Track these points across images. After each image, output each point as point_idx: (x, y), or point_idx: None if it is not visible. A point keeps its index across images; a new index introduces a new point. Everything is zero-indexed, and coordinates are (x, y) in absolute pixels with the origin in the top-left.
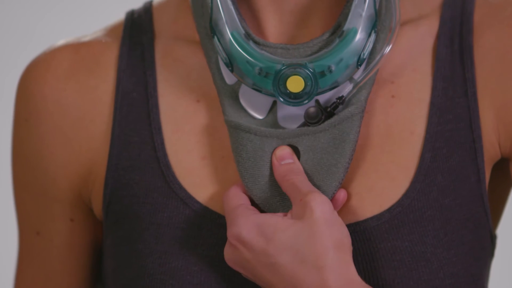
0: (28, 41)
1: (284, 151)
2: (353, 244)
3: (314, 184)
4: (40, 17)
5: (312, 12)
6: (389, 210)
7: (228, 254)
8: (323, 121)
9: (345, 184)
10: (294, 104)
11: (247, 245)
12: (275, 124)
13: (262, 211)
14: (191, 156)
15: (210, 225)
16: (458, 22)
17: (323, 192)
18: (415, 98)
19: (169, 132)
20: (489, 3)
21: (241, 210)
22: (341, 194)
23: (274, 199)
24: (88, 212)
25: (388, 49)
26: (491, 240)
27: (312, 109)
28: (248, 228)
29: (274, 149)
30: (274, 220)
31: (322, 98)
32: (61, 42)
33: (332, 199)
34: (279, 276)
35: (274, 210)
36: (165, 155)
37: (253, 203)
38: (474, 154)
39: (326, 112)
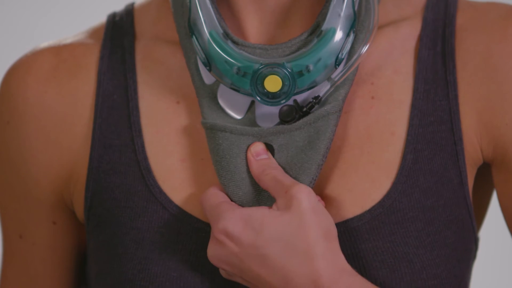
0: (28, 41)
1: (258, 147)
2: None
3: None
4: (40, 17)
5: (292, 12)
6: (370, 210)
7: (213, 250)
8: (298, 119)
9: (325, 185)
10: (272, 104)
11: (234, 238)
12: (253, 124)
13: None
14: (171, 158)
15: (188, 230)
16: (440, 24)
17: None
18: (395, 99)
19: (149, 135)
20: (473, 6)
21: (225, 205)
22: None
23: (251, 196)
24: (71, 215)
25: (365, 48)
26: (475, 243)
27: (285, 107)
28: (235, 221)
29: (249, 146)
30: (260, 212)
31: (300, 98)
32: (43, 44)
33: None
34: (268, 268)
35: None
36: (145, 158)
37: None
38: (455, 157)
39: (302, 112)
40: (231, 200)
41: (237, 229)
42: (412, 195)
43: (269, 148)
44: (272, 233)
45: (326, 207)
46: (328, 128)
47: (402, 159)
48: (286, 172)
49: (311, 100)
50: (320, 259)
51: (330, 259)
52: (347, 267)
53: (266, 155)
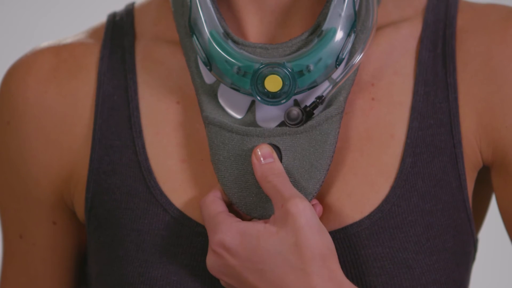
0: (28, 41)
1: (264, 150)
2: None
3: (296, 185)
4: (40, 17)
5: (292, 12)
6: (369, 216)
7: (212, 262)
8: (304, 123)
9: (324, 189)
10: (272, 104)
11: (231, 251)
12: (253, 124)
13: (239, 213)
14: (171, 159)
15: (189, 233)
16: (441, 26)
17: (305, 193)
18: (395, 101)
19: (150, 135)
20: (473, 8)
21: (222, 217)
22: (317, 209)
23: (252, 199)
24: (71, 215)
25: (366, 49)
26: (474, 245)
27: (294, 111)
28: (232, 234)
29: (254, 148)
30: (256, 228)
31: (300, 98)
32: (43, 44)
33: None
34: (266, 281)
35: (251, 210)
36: (146, 159)
37: (229, 208)
38: (455, 160)
39: (306, 112)
40: (233, 203)
41: (234, 243)
42: (410, 199)
43: (275, 148)
44: (268, 249)
45: (325, 212)
46: (332, 131)
47: (401, 162)
48: (293, 176)
49: (315, 100)
50: (315, 276)
51: (326, 277)
52: (346, 282)
53: (272, 159)
